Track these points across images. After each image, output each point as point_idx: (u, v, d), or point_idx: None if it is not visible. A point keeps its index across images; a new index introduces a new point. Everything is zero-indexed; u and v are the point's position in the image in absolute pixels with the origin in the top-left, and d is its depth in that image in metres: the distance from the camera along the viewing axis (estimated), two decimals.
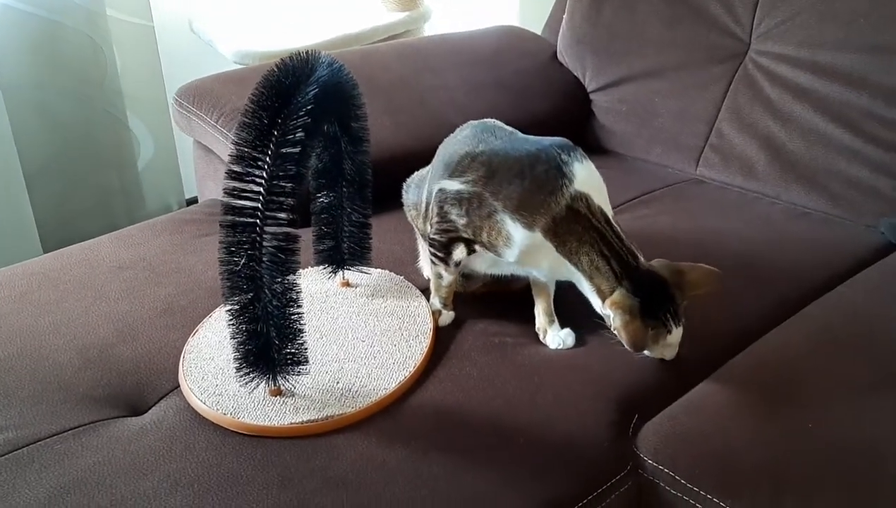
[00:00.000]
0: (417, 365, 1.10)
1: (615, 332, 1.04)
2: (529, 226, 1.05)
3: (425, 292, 1.26)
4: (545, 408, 1.05)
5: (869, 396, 1.05)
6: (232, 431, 1.00)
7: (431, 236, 1.15)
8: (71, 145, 2.26)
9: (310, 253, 1.23)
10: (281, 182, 0.92)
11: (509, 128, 1.18)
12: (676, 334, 1.07)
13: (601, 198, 1.07)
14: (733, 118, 1.70)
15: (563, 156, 1.06)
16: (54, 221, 2.26)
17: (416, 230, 1.30)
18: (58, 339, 1.16)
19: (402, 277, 1.30)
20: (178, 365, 1.11)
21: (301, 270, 1.20)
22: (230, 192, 0.92)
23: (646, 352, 1.09)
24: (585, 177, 1.06)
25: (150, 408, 1.06)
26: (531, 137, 1.13)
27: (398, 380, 1.07)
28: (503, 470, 0.96)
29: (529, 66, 1.96)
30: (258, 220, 0.92)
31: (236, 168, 0.92)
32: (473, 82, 1.86)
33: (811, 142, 1.59)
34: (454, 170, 1.11)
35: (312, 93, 0.95)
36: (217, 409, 1.01)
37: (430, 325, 1.17)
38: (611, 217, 1.06)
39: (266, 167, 0.92)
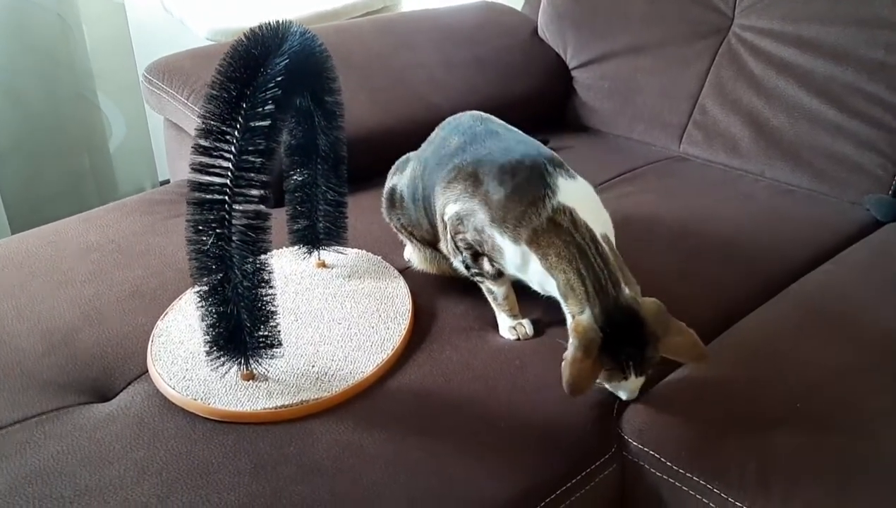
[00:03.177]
0: (396, 347, 1.06)
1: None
2: (515, 238, 1.00)
3: (404, 273, 1.23)
4: (527, 391, 1.02)
5: (856, 375, 1.02)
6: (202, 417, 0.96)
7: (462, 258, 1.10)
8: (40, 127, 2.20)
9: (284, 233, 1.20)
10: (250, 157, 0.88)
11: (498, 125, 1.13)
12: (635, 382, 0.97)
13: (591, 214, 1.00)
14: (717, 94, 1.68)
15: (549, 167, 1.02)
16: (24, 205, 2.20)
17: (408, 241, 1.25)
18: (21, 324, 1.12)
19: (379, 257, 1.26)
20: (146, 349, 1.07)
21: (275, 251, 1.16)
22: (197, 168, 0.88)
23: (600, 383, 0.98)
24: (572, 190, 1.01)
25: (117, 394, 1.02)
26: (520, 138, 1.09)
27: (376, 363, 1.03)
28: (485, 454, 0.93)
29: (509, 43, 1.92)
30: (227, 197, 0.88)
31: (203, 142, 0.88)
32: (452, 60, 1.82)
33: (795, 118, 1.56)
34: (447, 186, 1.07)
35: (283, 63, 0.91)
36: (187, 394, 0.98)
37: (409, 306, 1.14)
38: (599, 236, 0.98)
39: (235, 141, 0.88)
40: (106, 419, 0.96)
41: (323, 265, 1.23)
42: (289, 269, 1.22)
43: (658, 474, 0.95)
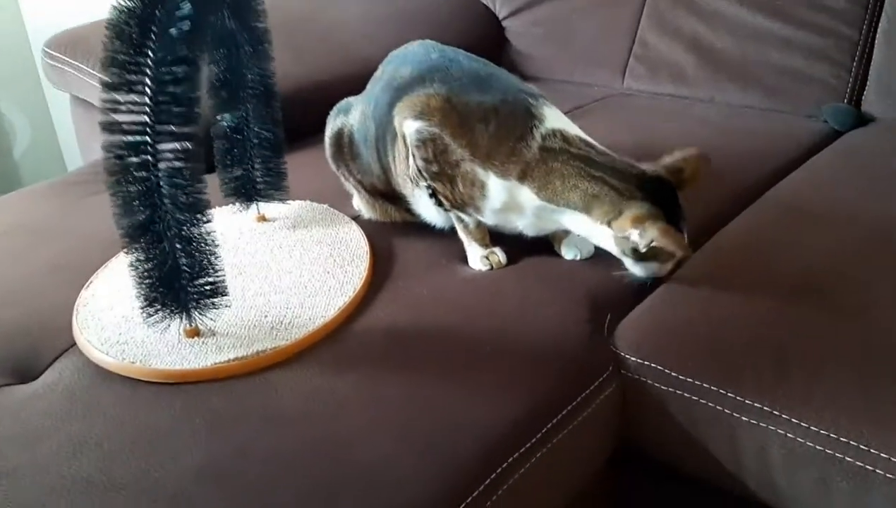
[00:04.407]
0: (357, 289, 0.95)
1: (639, 250, 0.90)
2: (503, 174, 0.93)
3: (356, 219, 1.12)
4: (509, 318, 0.92)
5: (852, 258, 0.97)
6: (144, 381, 0.83)
7: (428, 184, 0.99)
8: None
9: (218, 195, 1.07)
10: (171, 67, 0.76)
11: (453, 51, 1.05)
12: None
13: (579, 131, 0.97)
14: (655, 25, 1.61)
15: (532, 99, 0.96)
16: None
17: (356, 191, 1.14)
18: None
19: (326, 205, 1.15)
20: (72, 322, 0.93)
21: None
22: (109, 85, 0.76)
23: (644, 271, 0.94)
24: (557, 115, 0.97)
25: (42, 373, 0.88)
26: (489, 69, 1.02)
27: (337, 307, 0.92)
28: (472, 385, 0.83)
29: None
30: (147, 117, 0.76)
31: (115, 55, 0.76)
32: (377, 15, 1.73)
33: (740, 38, 1.51)
34: (407, 99, 0.98)
35: None
36: (123, 359, 0.85)
37: (366, 249, 1.03)
38: (591, 140, 0.95)
39: (150, 53, 0.76)
40: (31, 397, 0.83)
41: (263, 219, 1.11)
42: (226, 225, 1.09)
43: (663, 387, 0.86)
